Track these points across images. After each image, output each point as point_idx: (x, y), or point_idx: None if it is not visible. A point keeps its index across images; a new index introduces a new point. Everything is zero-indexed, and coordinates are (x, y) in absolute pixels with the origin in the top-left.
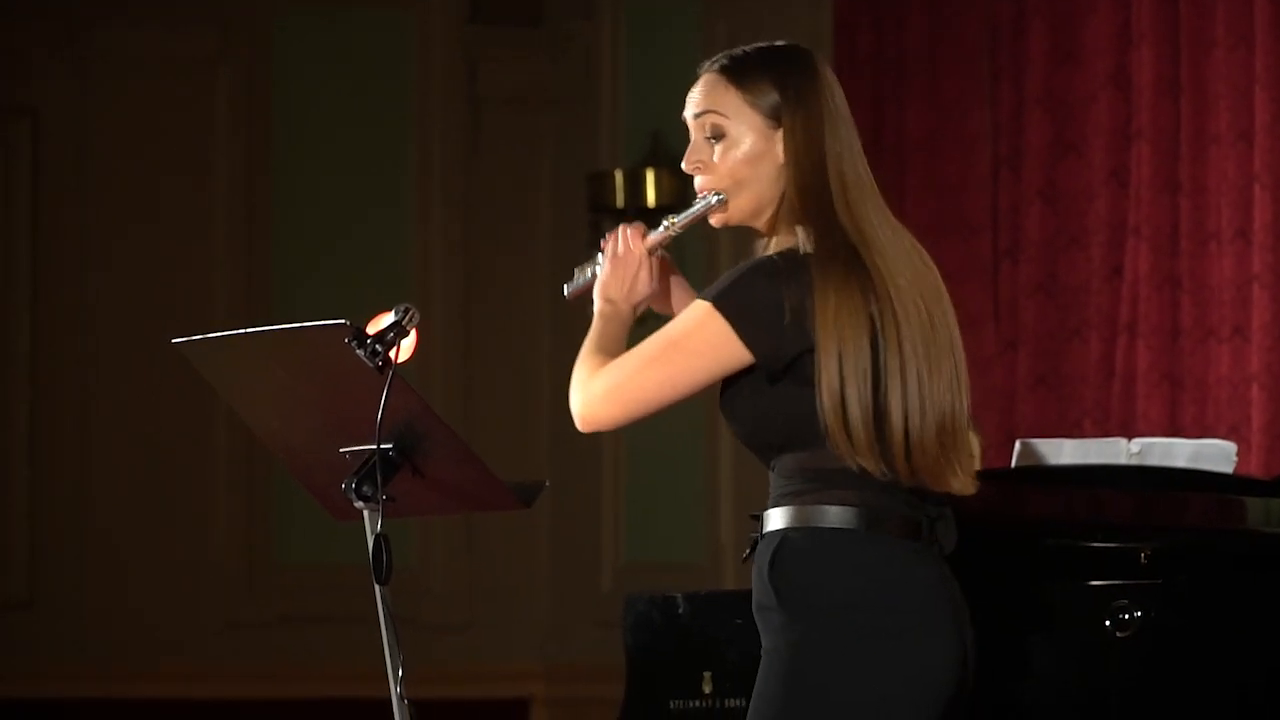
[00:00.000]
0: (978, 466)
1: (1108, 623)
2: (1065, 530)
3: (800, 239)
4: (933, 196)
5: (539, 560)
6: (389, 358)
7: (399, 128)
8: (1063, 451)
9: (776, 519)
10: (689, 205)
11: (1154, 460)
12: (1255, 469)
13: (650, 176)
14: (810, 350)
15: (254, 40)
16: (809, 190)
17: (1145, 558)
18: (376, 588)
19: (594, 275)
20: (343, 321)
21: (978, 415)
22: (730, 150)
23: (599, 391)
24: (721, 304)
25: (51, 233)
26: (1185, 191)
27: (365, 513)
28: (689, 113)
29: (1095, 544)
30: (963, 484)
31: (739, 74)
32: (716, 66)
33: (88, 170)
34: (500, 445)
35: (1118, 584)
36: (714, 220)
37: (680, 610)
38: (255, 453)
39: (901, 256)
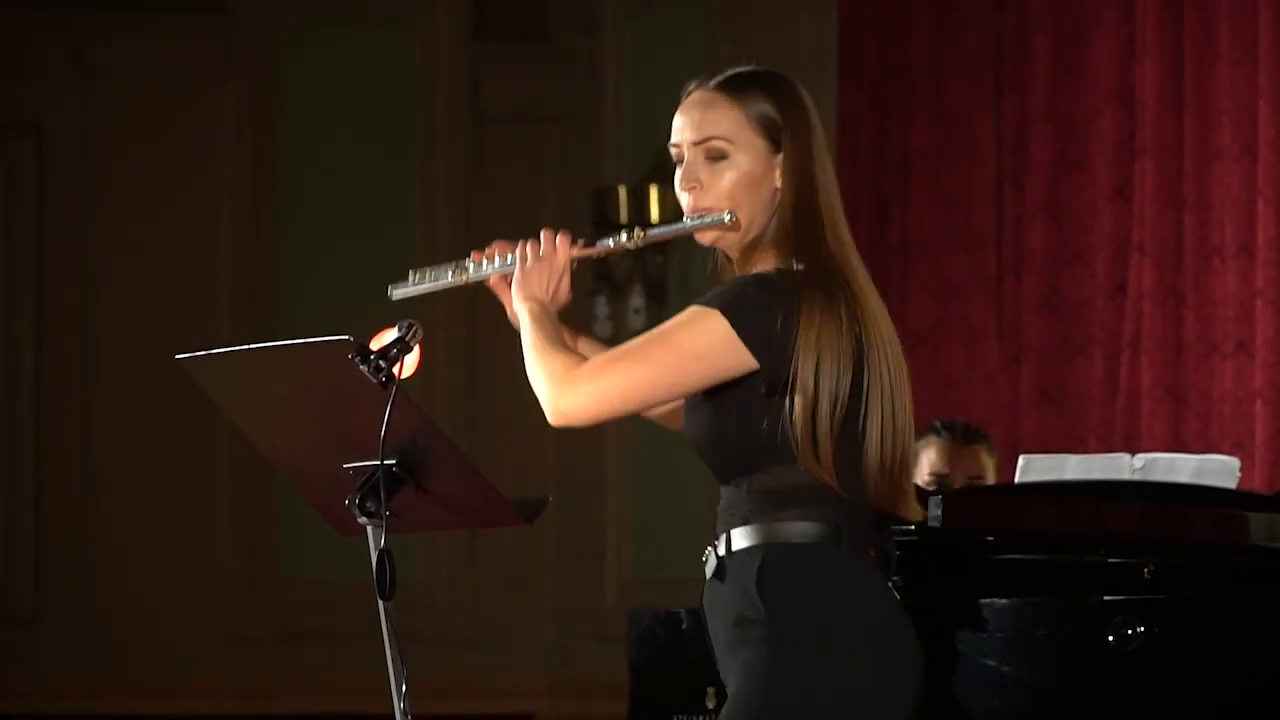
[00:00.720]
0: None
1: (1111, 638)
2: (1068, 545)
3: (787, 262)
4: (937, 210)
5: (543, 575)
6: (392, 373)
7: (403, 142)
8: (1066, 467)
9: (751, 536)
10: (673, 223)
11: (1157, 475)
12: (1258, 484)
13: (654, 192)
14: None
15: (259, 55)
16: (803, 216)
17: (1148, 573)
18: (380, 603)
19: (454, 280)
20: (346, 337)
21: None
22: (730, 171)
23: (583, 385)
24: (728, 310)
25: (56, 247)
26: (1189, 207)
27: (369, 528)
28: (686, 136)
29: (1098, 559)
30: (914, 510)
31: (739, 94)
32: (713, 85)
33: (92, 184)
34: (504, 461)
35: (1121, 599)
36: (706, 239)
37: (684, 625)
38: (259, 468)
39: (871, 290)
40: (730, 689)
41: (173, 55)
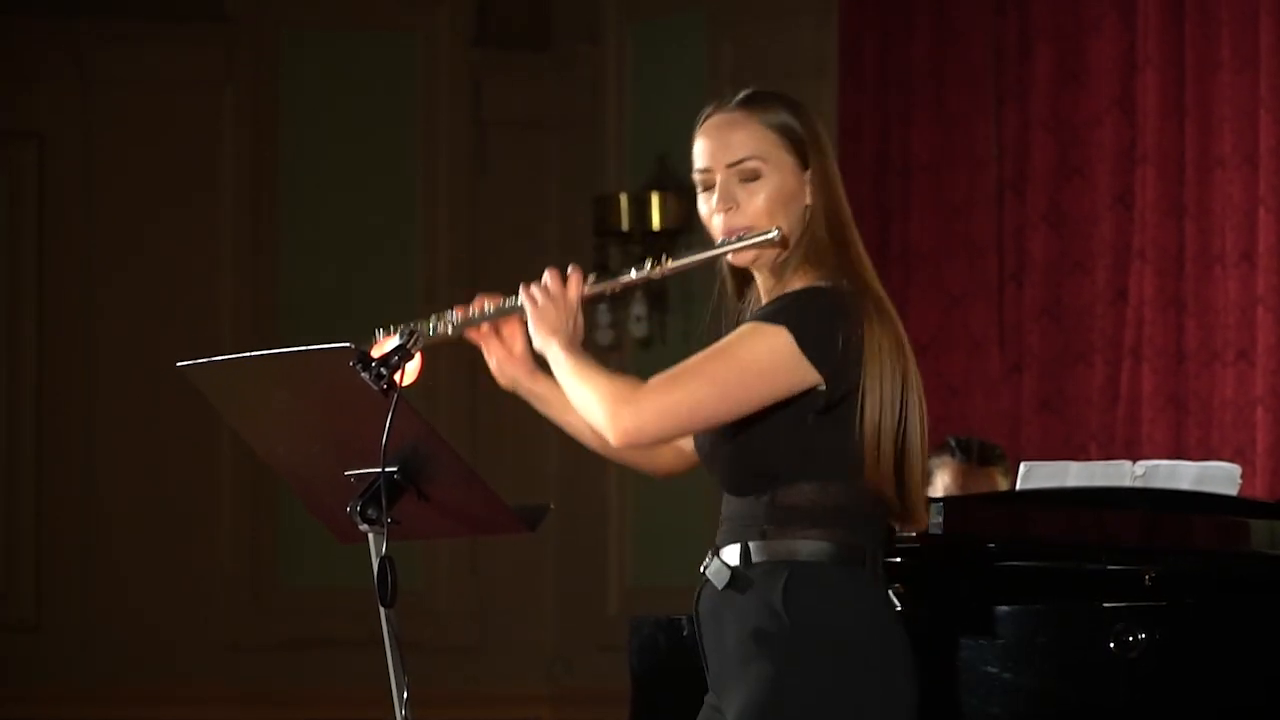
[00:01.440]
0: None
1: (1112, 645)
2: (1070, 552)
3: (824, 276)
4: (938, 218)
5: (544, 583)
6: (394, 381)
7: (405, 149)
8: (1068, 474)
9: (771, 550)
10: (697, 247)
11: (1159, 483)
12: (1260, 492)
13: (655, 200)
14: (859, 387)
15: (260, 61)
16: (835, 229)
17: (1150, 580)
18: (382, 611)
19: (445, 333)
20: (347, 345)
21: (983, 437)
22: (764, 190)
23: (647, 403)
24: (792, 325)
25: (58, 254)
26: (1190, 215)
27: (370, 536)
28: (720, 158)
29: (1100, 566)
30: (925, 518)
31: (765, 114)
32: (735, 107)
33: (94, 190)
34: (506, 468)
35: (1122, 606)
36: (742, 260)
37: (685, 633)
38: (260, 475)
39: (889, 301)
40: (739, 699)
41: (174, 62)
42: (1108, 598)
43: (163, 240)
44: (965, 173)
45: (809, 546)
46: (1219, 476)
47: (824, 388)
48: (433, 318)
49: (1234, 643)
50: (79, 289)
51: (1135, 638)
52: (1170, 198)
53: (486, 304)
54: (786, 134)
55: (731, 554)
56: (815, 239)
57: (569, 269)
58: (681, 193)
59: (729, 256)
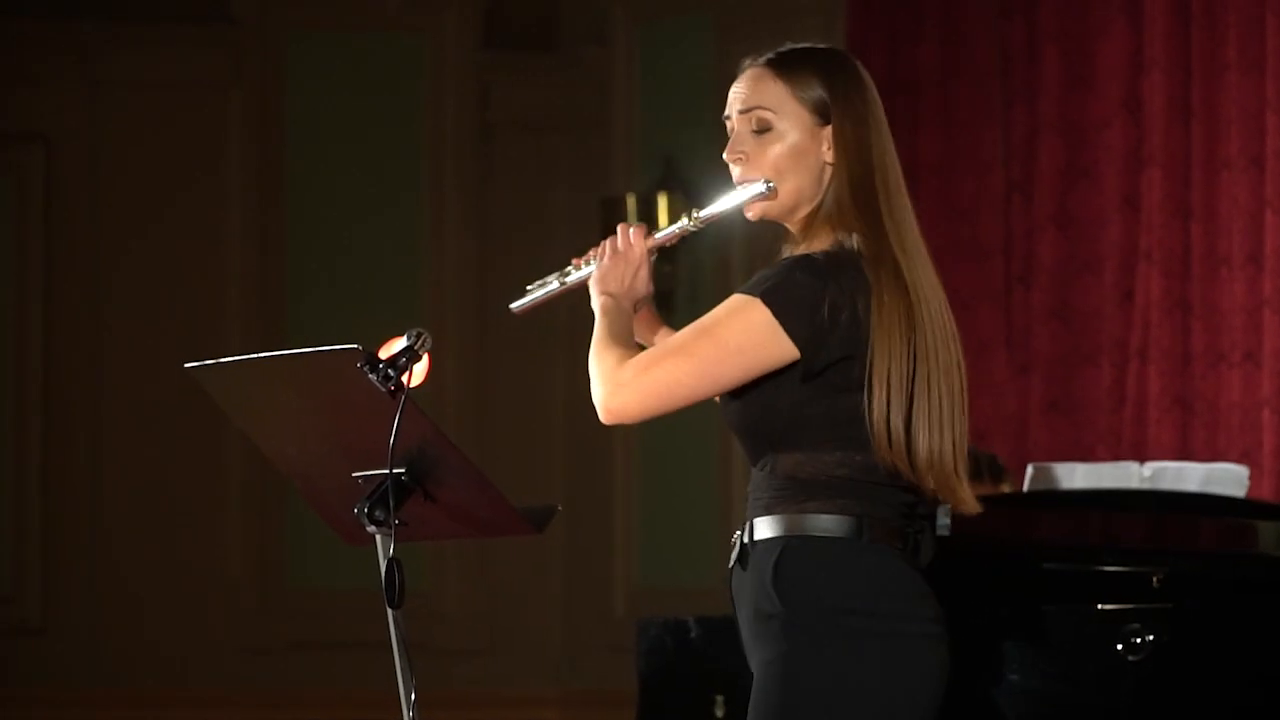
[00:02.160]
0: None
1: (1119, 646)
2: (1077, 554)
3: (843, 239)
4: (945, 220)
5: (552, 585)
6: (401, 382)
7: (412, 152)
8: (1075, 476)
9: (773, 526)
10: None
11: (1166, 484)
12: (1267, 493)
13: (663, 201)
14: (851, 356)
15: (267, 64)
16: (859, 190)
17: (1157, 581)
18: (389, 612)
19: (561, 286)
20: (355, 346)
21: (991, 439)
22: (775, 143)
23: (629, 381)
24: (769, 298)
25: (64, 256)
26: (1197, 217)
27: (378, 537)
28: (734, 108)
29: (1107, 568)
30: (972, 501)
31: (786, 68)
32: (763, 61)
33: (100, 193)
34: (513, 470)
35: (1130, 608)
36: (752, 213)
37: (693, 634)
38: (268, 477)
39: (927, 269)
40: (754, 684)
41: (180, 65)
42: (1115, 599)
43: (169, 242)
44: (973, 175)
45: (807, 521)
46: (1227, 478)
47: (804, 359)
48: (557, 273)
49: (1242, 644)
50: (85, 291)
51: (1143, 639)
52: (1177, 199)
53: (593, 258)
54: (804, 89)
55: (746, 529)
56: (837, 198)
57: (633, 226)
58: (688, 193)
59: (744, 212)
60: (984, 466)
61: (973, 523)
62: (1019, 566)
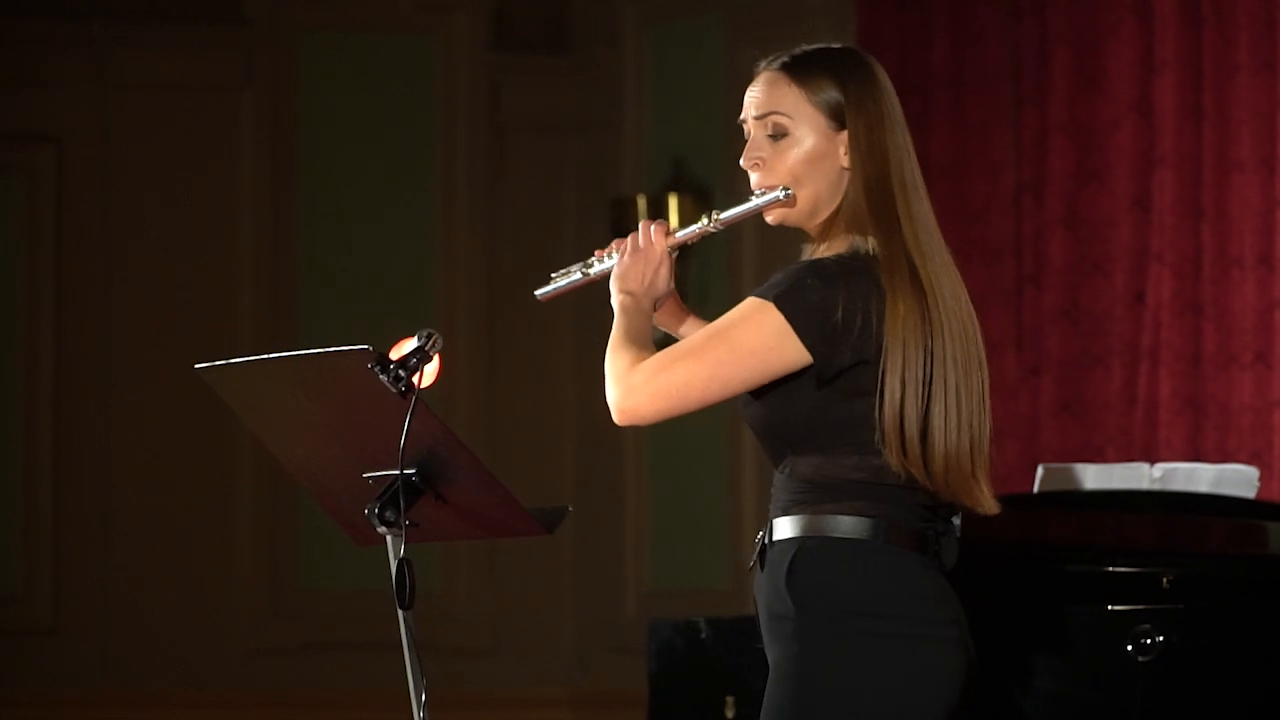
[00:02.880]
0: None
1: (1129, 647)
2: (1088, 555)
3: (859, 242)
4: (956, 221)
5: (563, 586)
6: (412, 383)
7: (423, 153)
8: (1086, 477)
9: (790, 527)
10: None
11: (1176, 485)
12: (1277, 495)
13: (673, 202)
14: (865, 361)
15: (278, 65)
16: (875, 194)
17: (1167, 582)
18: (400, 613)
19: (583, 277)
20: (366, 347)
21: (1001, 441)
22: (792, 148)
23: (641, 384)
24: (781, 302)
25: (76, 258)
26: (1208, 217)
27: (388, 538)
28: (750, 112)
29: (1117, 568)
30: (990, 502)
31: (801, 72)
32: (777, 65)
33: (112, 195)
34: (524, 471)
35: (1140, 608)
36: (771, 218)
37: (703, 635)
38: (278, 478)
39: (947, 268)
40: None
41: (192, 65)
42: (1125, 600)
43: (181, 243)
44: (983, 176)
45: (824, 522)
46: (1237, 479)
47: (814, 362)
48: (580, 264)
49: (1252, 645)
50: (97, 293)
51: (1153, 640)
52: (1188, 201)
53: (614, 251)
54: (819, 94)
55: (767, 530)
56: (853, 203)
57: (655, 223)
58: (698, 195)
59: (763, 216)
60: None
61: (983, 524)
62: (1029, 568)
